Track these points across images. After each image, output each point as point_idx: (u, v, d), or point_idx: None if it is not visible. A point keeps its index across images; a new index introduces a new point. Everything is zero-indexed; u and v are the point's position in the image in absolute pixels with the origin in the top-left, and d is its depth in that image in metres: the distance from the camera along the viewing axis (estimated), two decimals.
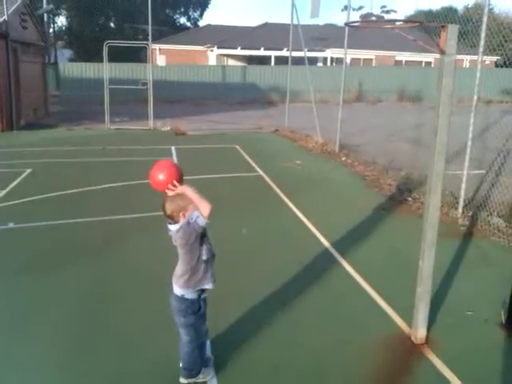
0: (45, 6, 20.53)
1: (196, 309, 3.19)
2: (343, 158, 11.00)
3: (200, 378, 3.34)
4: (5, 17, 14.19)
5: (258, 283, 4.86)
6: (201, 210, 2.97)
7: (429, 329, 3.93)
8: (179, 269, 3.16)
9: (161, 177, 3.03)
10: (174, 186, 3.01)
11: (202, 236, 3.10)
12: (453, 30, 3.43)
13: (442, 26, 3.49)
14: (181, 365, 3.34)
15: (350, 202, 7.76)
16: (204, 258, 3.12)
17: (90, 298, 4.52)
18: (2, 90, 14.44)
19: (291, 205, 7.47)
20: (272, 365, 3.58)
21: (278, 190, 8.30)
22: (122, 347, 3.75)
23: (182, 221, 3.03)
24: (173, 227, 3.07)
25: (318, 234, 6.24)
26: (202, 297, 3.24)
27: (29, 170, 9.33)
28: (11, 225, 6.36)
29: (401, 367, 3.61)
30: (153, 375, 3.43)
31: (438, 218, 3.73)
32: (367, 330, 4.07)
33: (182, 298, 3.16)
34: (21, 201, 7.40)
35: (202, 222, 2.99)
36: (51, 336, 3.89)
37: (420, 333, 3.88)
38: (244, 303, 4.40)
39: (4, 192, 7.83)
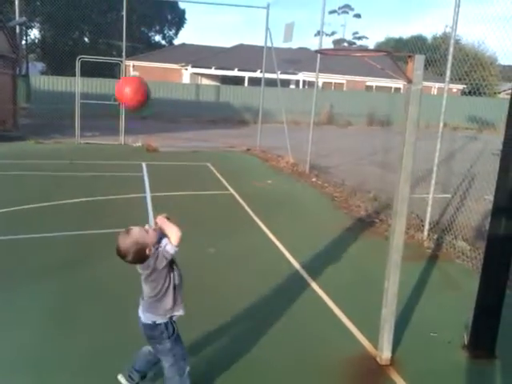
0: (17, 18, 20.26)
1: (171, 332, 3.06)
2: (313, 179, 11.13)
3: None
4: None
5: (226, 303, 4.84)
6: (170, 237, 2.90)
7: (394, 350, 3.98)
8: (149, 296, 3.02)
9: (127, 90, 3.08)
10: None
11: (172, 262, 3.02)
12: (419, 60, 3.55)
13: (409, 56, 3.62)
14: None
15: (319, 223, 7.84)
16: (176, 282, 3.03)
17: (50, 319, 4.42)
18: None
19: (261, 224, 7.50)
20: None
21: (248, 209, 8.33)
22: (84, 370, 3.68)
23: (150, 258, 2.90)
24: (140, 267, 2.95)
25: (287, 254, 6.27)
26: (174, 319, 3.11)
27: None
28: None
29: None
30: None
31: (402, 241, 3.82)
32: (333, 350, 4.09)
33: (153, 326, 3.04)
34: None
35: (171, 249, 2.89)
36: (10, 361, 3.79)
37: (385, 354, 3.93)
38: (210, 323, 4.38)
39: None
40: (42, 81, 25.08)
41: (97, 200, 8.46)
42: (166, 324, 3.05)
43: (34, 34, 39.96)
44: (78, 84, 15.57)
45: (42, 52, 39.17)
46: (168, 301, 3.01)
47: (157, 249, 2.90)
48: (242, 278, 5.52)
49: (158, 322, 3.03)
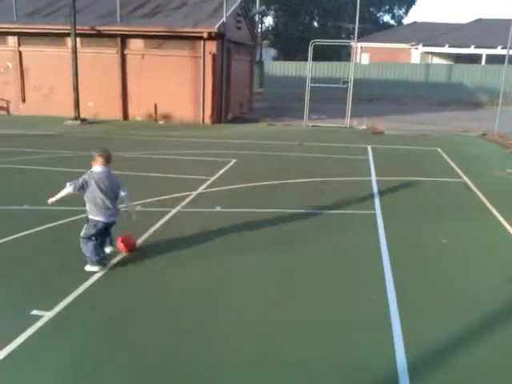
0: (257, 7, 21.82)
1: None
2: None
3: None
4: (223, 19, 15.47)
5: (457, 297, 4.45)
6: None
7: None
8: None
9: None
10: None
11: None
12: None
13: None
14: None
15: None
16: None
17: (278, 278, 4.63)
18: (216, 86, 15.81)
19: (501, 218, 6.71)
20: None
21: (485, 201, 7.55)
22: None
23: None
24: None
25: None
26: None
27: (234, 160, 10.03)
28: (218, 208, 6.91)
29: None
30: None
31: None
32: None
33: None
34: (227, 188, 7.99)
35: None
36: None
37: None
38: (441, 318, 4.08)
39: (213, 178, 8.54)
40: (274, 66, 26.67)
41: (322, 181, 8.66)
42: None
43: (268, 21, 42.71)
44: (309, 68, 16.08)
45: (275, 38, 41.68)
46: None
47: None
48: (478, 273, 5.02)
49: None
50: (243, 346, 3.63)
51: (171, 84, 15.63)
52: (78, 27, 14.90)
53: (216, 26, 15.11)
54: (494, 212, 7.00)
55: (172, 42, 15.56)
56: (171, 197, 7.37)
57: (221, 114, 16.42)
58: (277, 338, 3.75)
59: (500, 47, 25.40)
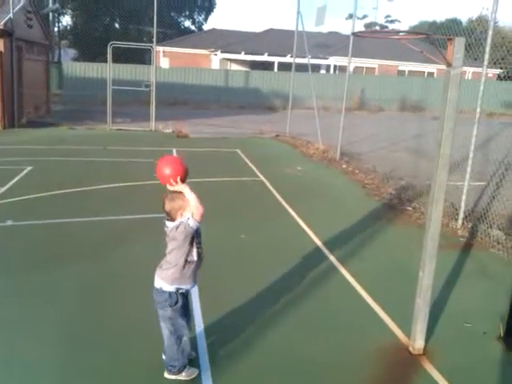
0: (50, 5, 20.55)
1: (173, 302, 3.22)
2: (344, 166, 11.01)
3: (183, 376, 3.36)
4: (10, 15, 14.21)
5: (255, 289, 4.84)
6: (194, 212, 3.06)
7: (427, 340, 3.92)
8: (165, 262, 3.25)
9: (167, 171, 3.10)
10: (176, 181, 3.08)
11: (193, 238, 3.15)
12: (460, 43, 3.44)
13: (449, 39, 3.50)
14: (164, 357, 3.39)
15: (350, 210, 7.76)
16: (190, 259, 3.19)
17: (88, 296, 4.51)
18: (5, 88, 14.42)
19: (291, 211, 7.47)
20: (267, 368, 3.57)
21: (278, 196, 8.30)
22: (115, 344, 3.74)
23: (180, 219, 3.11)
24: (170, 224, 3.15)
25: (317, 242, 6.23)
26: (180, 291, 3.25)
27: (29, 168, 9.31)
28: (10, 222, 6.35)
29: (397, 377, 3.61)
30: (141, 369, 3.42)
31: (439, 229, 3.73)
32: (364, 339, 4.06)
33: (160, 291, 3.23)
34: (20, 198, 7.39)
35: (192, 223, 3.07)
36: (49, 334, 3.87)
37: (418, 343, 3.87)
38: (239, 307, 4.40)
39: (4, 189, 7.81)
40: (74, 67, 25.34)
41: (129, 185, 8.56)
42: (170, 293, 3.22)
43: (66, 20, 40.46)
44: (109, 70, 15.68)
45: (74, 39, 39.62)
46: (180, 272, 3.19)
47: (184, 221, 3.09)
48: (271, 264, 5.51)
49: (164, 289, 3.23)
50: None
51: None
52: None
53: (2, 23, 13.80)
54: (286, 206, 7.73)
55: None
56: None
57: (13, 117, 15.04)
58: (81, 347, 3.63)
59: (289, 56, 27.90)
